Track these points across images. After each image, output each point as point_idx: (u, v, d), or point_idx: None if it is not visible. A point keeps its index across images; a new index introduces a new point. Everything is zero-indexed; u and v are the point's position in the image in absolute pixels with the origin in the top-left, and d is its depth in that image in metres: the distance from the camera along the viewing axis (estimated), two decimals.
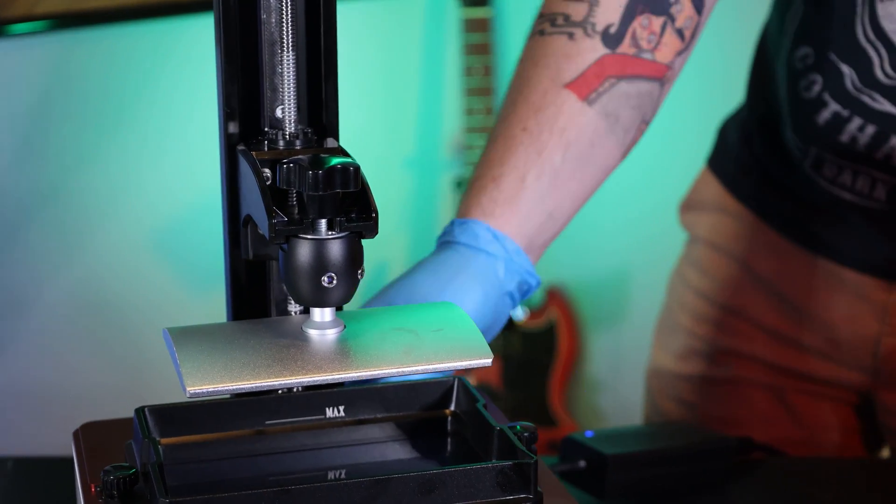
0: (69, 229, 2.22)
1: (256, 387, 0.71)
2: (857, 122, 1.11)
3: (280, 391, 0.78)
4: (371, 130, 2.47)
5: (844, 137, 1.13)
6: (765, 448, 1.13)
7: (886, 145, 1.11)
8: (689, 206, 1.37)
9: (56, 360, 2.23)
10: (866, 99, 1.10)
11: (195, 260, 2.28)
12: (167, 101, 2.28)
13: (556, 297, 2.54)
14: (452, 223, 0.96)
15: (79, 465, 0.77)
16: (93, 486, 0.73)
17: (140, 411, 0.75)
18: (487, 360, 0.74)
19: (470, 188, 0.98)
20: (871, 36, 1.08)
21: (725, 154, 1.34)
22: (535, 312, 2.53)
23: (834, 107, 1.12)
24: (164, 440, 0.75)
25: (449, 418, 0.79)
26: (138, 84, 2.27)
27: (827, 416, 1.27)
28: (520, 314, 2.50)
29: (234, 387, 0.71)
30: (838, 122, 1.12)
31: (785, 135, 1.20)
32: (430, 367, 0.74)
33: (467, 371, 0.80)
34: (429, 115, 2.58)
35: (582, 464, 1.03)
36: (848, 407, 1.27)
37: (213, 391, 0.70)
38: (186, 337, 0.75)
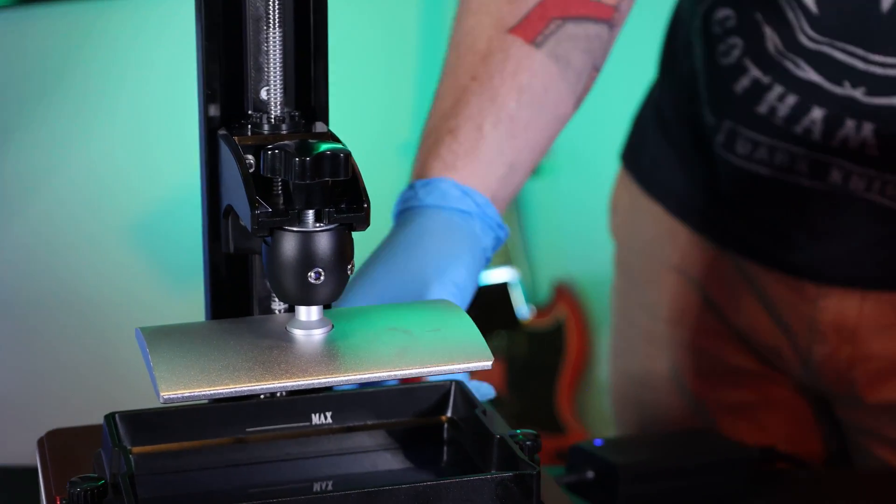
0: (36, 221, 2.22)
1: (236, 391, 0.71)
2: (777, 90, 1.12)
3: (262, 396, 0.78)
4: (363, 114, 2.47)
5: (762, 108, 1.13)
6: (790, 458, 1.13)
7: (806, 118, 1.11)
8: (615, 211, 1.38)
9: (20, 361, 2.22)
10: (789, 65, 1.11)
11: (172, 254, 2.28)
12: (142, 81, 2.28)
13: (564, 294, 2.55)
14: (413, 185, 0.95)
15: (43, 476, 0.77)
16: (58, 498, 0.73)
17: (110, 418, 0.75)
18: (487, 363, 0.73)
19: (424, 144, 0.98)
20: None
21: (636, 147, 1.35)
22: (541, 311, 2.54)
23: (754, 73, 1.13)
24: (136, 449, 0.75)
25: (445, 425, 0.79)
26: (110, 63, 2.26)
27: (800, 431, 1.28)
28: (525, 312, 2.50)
29: (212, 391, 0.70)
30: (758, 90, 1.13)
31: (702, 114, 1.21)
32: (426, 370, 0.74)
33: (467, 374, 0.80)
34: (425, 97, 2.57)
35: (590, 475, 1.03)
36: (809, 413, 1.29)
37: (189, 396, 0.70)
38: (161, 337, 0.75)
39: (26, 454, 0.86)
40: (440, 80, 1.02)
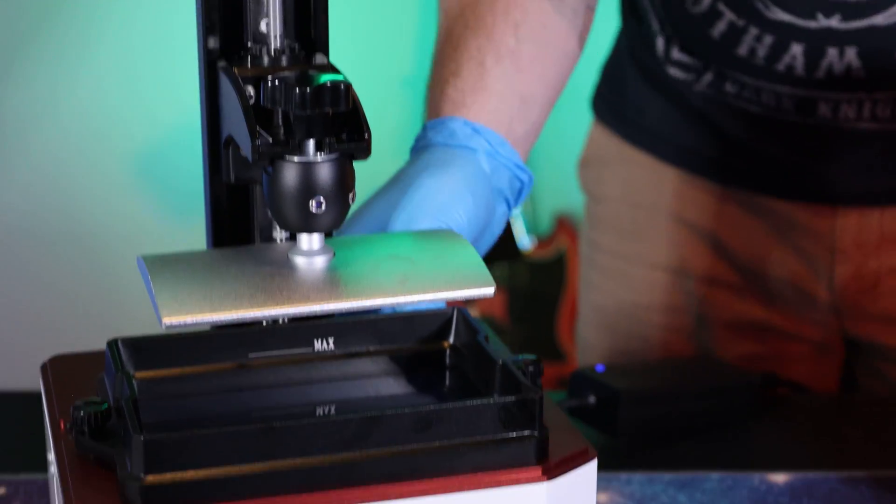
0: (39, 154, 2.22)
1: (239, 318, 0.71)
2: (753, 31, 1.11)
3: (264, 322, 0.77)
4: (365, 46, 2.46)
5: (742, 50, 1.13)
6: (790, 384, 1.13)
7: (787, 55, 1.11)
8: (585, 164, 1.38)
9: (24, 289, 2.23)
10: (760, 6, 1.09)
11: (173, 185, 2.28)
12: (140, 12, 2.26)
13: (565, 225, 2.55)
14: (424, 127, 0.95)
15: (47, 401, 0.77)
16: (62, 421, 0.73)
17: (113, 343, 0.75)
18: (490, 290, 0.73)
19: (432, 88, 0.98)
20: None
21: (615, 98, 1.34)
22: (543, 242, 2.54)
23: (729, 16, 1.12)
24: (139, 374, 0.75)
25: (447, 351, 0.79)
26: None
27: (792, 362, 1.27)
28: (527, 243, 2.50)
29: (215, 317, 0.70)
30: (735, 33, 1.12)
31: (670, 56, 1.20)
32: (428, 296, 0.74)
33: (469, 303, 0.80)
34: (429, 30, 2.56)
35: (592, 399, 1.04)
36: (823, 352, 1.28)
37: (192, 322, 0.70)
38: (162, 265, 0.74)
39: (30, 379, 0.86)
40: (437, 29, 1.01)
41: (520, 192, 0.94)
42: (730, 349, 1.26)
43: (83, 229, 2.24)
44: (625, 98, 1.31)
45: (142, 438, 0.66)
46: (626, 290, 1.31)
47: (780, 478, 0.99)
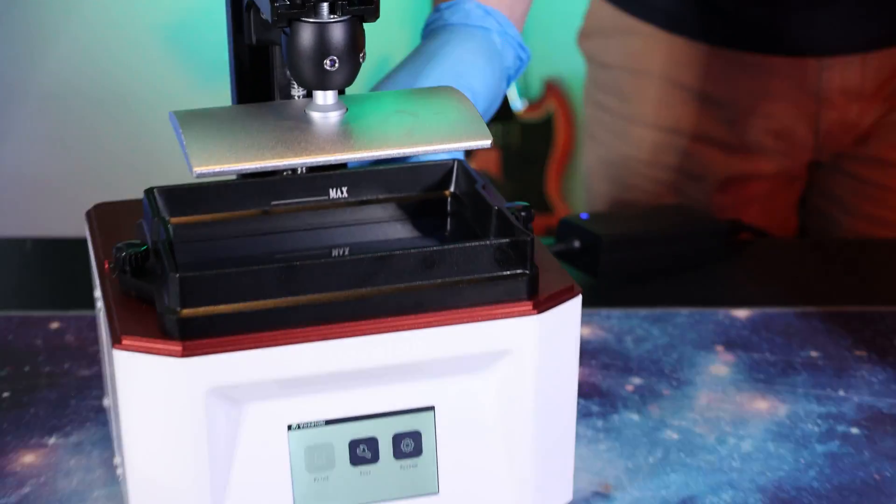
0: (80, 24, 2.19)
1: (261, 167, 0.70)
2: None
3: (285, 172, 0.77)
4: None
5: None
6: (753, 230, 1.13)
7: None
8: (588, 34, 1.35)
9: (67, 146, 2.21)
10: None
11: (200, 49, 2.25)
12: None
13: (553, 89, 2.53)
14: (439, 8, 0.94)
15: (93, 244, 0.77)
16: (106, 262, 0.73)
17: (150, 192, 0.75)
18: (487, 142, 0.72)
19: None
20: None
21: None
22: (533, 104, 2.52)
23: None
24: (174, 219, 0.74)
25: (448, 199, 0.79)
26: None
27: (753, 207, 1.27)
28: (519, 105, 2.48)
29: (240, 167, 0.70)
30: None
31: None
32: (431, 147, 0.73)
33: (467, 158, 0.79)
34: None
35: (576, 244, 1.04)
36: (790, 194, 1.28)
37: (219, 171, 0.70)
38: (192, 119, 0.74)
39: (77, 227, 0.86)
40: None
41: (518, 69, 0.94)
42: (709, 197, 1.27)
43: (120, 92, 2.22)
44: None
45: (177, 276, 0.66)
46: (627, 146, 1.31)
47: (742, 313, 0.99)
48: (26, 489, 0.80)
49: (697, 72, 1.24)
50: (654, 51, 1.27)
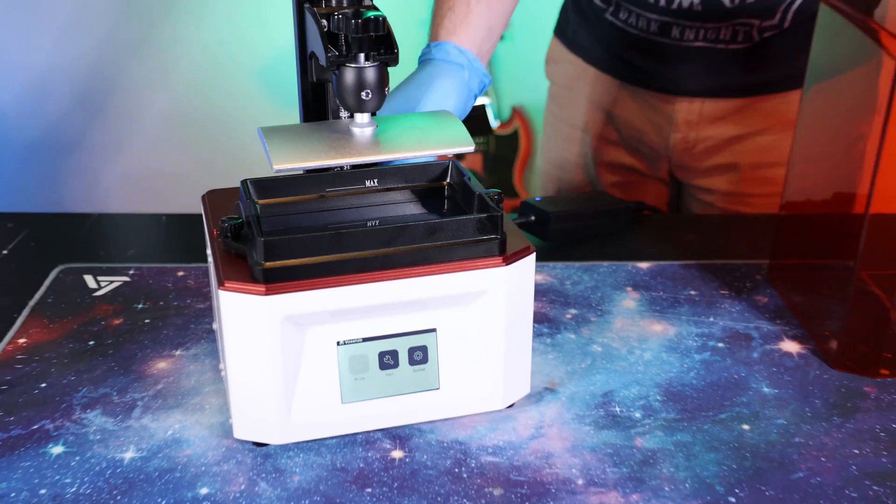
0: (193, 64, 2.16)
1: (319, 165, 0.71)
2: None
3: (335, 169, 0.76)
4: (394, 2, 2.40)
5: None
6: (651, 208, 1.13)
7: None
8: (548, 61, 1.34)
9: (186, 149, 2.18)
10: None
11: (279, 83, 2.23)
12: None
13: (518, 112, 2.52)
14: (429, 46, 0.95)
15: (206, 218, 0.77)
16: (214, 230, 0.73)
17: (244, 182, 0.74)
18: (470, 147, 0.73)
19: (434, 19, 0.97)
20: None
21: (564, 23, 1.30)
22: (504, 124, 2.51)
23: None
24: (260, 201, 0.74)
25: (446, 188, 0.78)
26: None
27: (650, 194, 1.28)
28: (494, 124, 2.47)
29: (305, 165, 0.70)
30: None
31: None
32: (433, 151, 0.73)
33: (459, 158, 0.78)
34: None
35: (532, 218, 1.03)
36: (660, 186, 1.28)
37: (291, 168, 0.70)
38: (273, 131, 0.74)
39: (195, 206, 0.85)
40: None
41: (482, 89, 0.94)
42: (606, 181, 1.28)
43: (222, 111, 2.20)
44: (567, 23, 1.29)
45: (262, 240, 0.66)
46: (562, 144, 1.31)
47: (644, 265, 0.99)
48: (160, 386, 0.80)
49: (605, 95, 1.24)
50: (581, 77, 1.26)
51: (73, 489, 0.68)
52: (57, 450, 0.72)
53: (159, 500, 0.67)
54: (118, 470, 0.70)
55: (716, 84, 1.16)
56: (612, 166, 1.28)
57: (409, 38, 2.54)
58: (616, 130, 1.25)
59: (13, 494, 0.68)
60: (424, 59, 0.94)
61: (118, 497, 0.68)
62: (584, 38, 1.26)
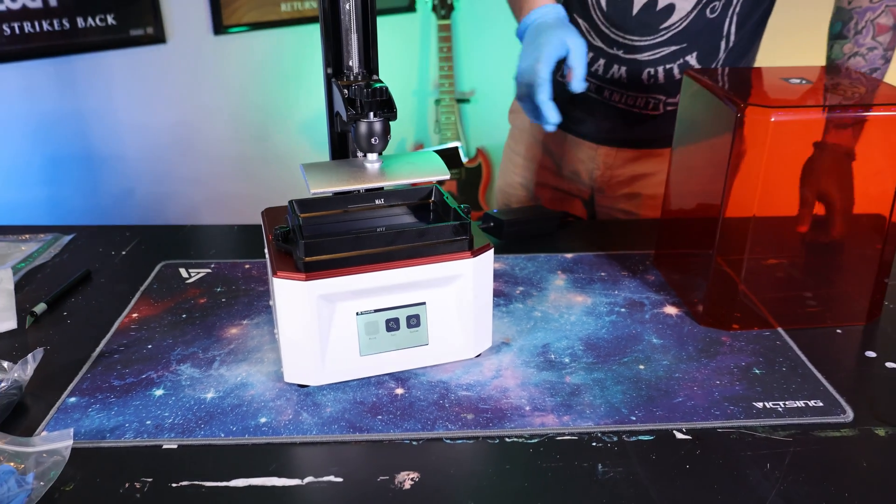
0: (253, 106, 2.14)
1: (343, 189, 0.68)
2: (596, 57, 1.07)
3: (354, 191, 0.74)
4: (395, 77, 2.38)
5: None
6: (574, 216, 1.11)
7: (595, 64, 1.07)
8: (511, 110, 1.30)
9: (250, 179, 2.16)
10: (588, 38, 1.05)
11: (315, 131, 2.22)
12: (308, 64, 2.17)
13: (481, 151, 2.50)
14: (529, 16, 0.94)
15: (264, 227, 0.75)
16: (270, 235, 0.71)
17: (291, 202, 0.72)
18: (447, 176, 0.71)
19: (515, 4, 0.96)
20: (596, 4, 1.04)
21: None
22: (471, 160, 2.49)
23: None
24: (302, 215, 0.72)
25: (431, 203, 0.76)
26: (299, 62, 2.15)
27: (573, 207, 1.25)
28: (465, 159, 2.45)
29: (333, 189, 0.68)
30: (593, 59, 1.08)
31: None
32: (422, 179, 0.71)
33: (440, 182, 0.77)
34: (423, 69, 2.48)
35: (492, 224, 1.01)
36: (581, 204, 1.25)
37: (324, 191, 0.68)
38: (310, 166, 0.72)
39: (256, 219, 0.83)
40: None
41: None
42: (543, 197, 1.25)
43: (275, 155, 2.18)
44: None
45: (303, 242, 0.65)
46: (513, 170, 1.27)
47: (569, 255, 0.97)
48: (232, 345, 0.78)
49: (551, 138, 1.21)
50: (522, 115, 1.23)
51: (170, 420, 0.66)
52: (159, 392, 0.70)
53: (231, 427, 0.65)
54: (202, 406, 0.68)
55: (629, 137, 1.13)
56: (548, 188, 1.25)
57: (405, 100, 2.53)
58: (555, 163, 1.22)
59: (127, 424, 0.65)
60: (534, 22, 0.93)
61: (202, 425, 0.65)
62: None
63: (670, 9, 1.00)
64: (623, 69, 1.05)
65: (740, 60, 1.05)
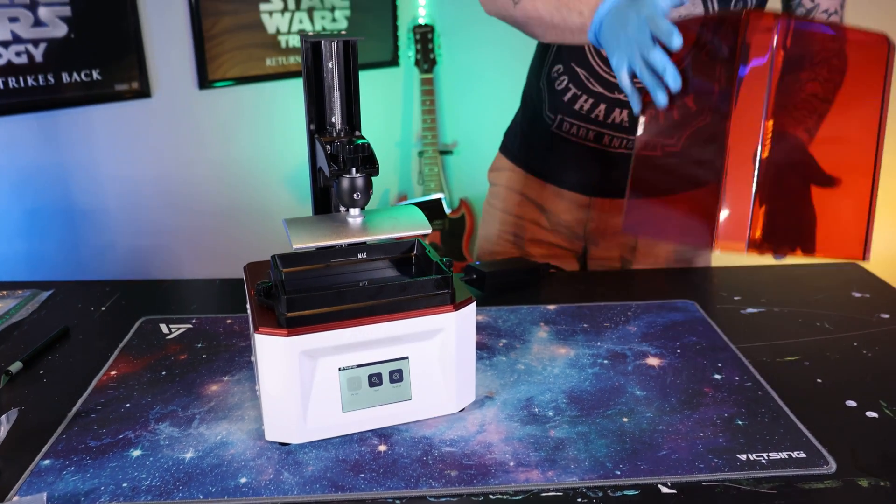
0: (238, 165, 2.15)
1: (325, 244, 0.69)
2: (584, 97, 1.06)
3: (336, 246, 0.75)
4: (378, 129, 2.42)
5: (577, 106, 1.08)
6: (555, 268, 1.12)
7: (597, 109, 1.06)
8: (491, 170, 1.29)
9: (232, 236, 2.17)
10: (589, 84, 1.05)
11: (299, 186, 2.23)
12: (292, 118, 2.20)
13: (464, 202, 2.52)
14: (597, 13, 0.81)
15: (246, 281, 0.75)
16: (252, 290, 0.71)
17: (274, 256, 0.73)
18: (428, 230, 0.71)
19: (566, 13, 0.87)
20: (593, 53, 1.04)
21: (508, 140, 1.26)
22: (454, 210, 2.51)
23: (573, 90, 1.07)
24: (285, 269, 0.72)
25: (414, 257, 0.77)
26: (283, 116, 2.18)
27: (566, 263, 1.23)
28: (448, 210, 2.47)
29: (316, 244, 0.68)
30: (575, 98, 1.07)
31: (543, 115, 1.14)
32: (404, 234, 0.72)
33: (424, 235, 0.77)
34: (406, 122, 2.52)
35: (474, 276, 1.02)
36: (573, 257, 1.24)
37: (306, 246, 0.68)
38: (293, 221, 0.72)
39: (239, 273, 0.83)
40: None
41: None
42: (534, 253, 1.23)
43: (259, 208, 2.18)
44: (514, 141, 1.24)
45: (285, 297, 0.64)
46: (497, 226, 1.26)
47: (552, 307, 0.98)
48: (212, 403, 0.77)
49: (538, 193, 1.20)
50: (519, 180, 1.22)
51: (147, 482, 0.65)
52: (136, 453, 0.69)
53: (210, 488, 0.64)
54: (181, 466, 0.67)
55: (592, 185, 1.14)
56: (540, 243, 1.23)
57: (387, 155, 2.56)
58: (546, 218, 1.21)
59: (102, 487, 0.64)
60: (609, 10, 0.81)
61: (180, 487, 0.64)
62: (526, 154, 1.21)
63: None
64: (624, 113, 1.06)
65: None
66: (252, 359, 0.84)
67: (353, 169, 0.69)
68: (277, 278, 0.68)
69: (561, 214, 1.20)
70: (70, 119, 1.78)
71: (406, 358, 0.71)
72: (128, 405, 0.76)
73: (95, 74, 1.79)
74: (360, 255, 0.75)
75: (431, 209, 2.38)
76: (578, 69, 1.06)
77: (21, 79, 1.69)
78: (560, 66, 1.09)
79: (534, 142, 1.20)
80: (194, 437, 0.71)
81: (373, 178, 0.72)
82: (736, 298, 1.00)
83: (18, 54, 1.68)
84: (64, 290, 1.02)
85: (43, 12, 1.69)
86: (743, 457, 0.68)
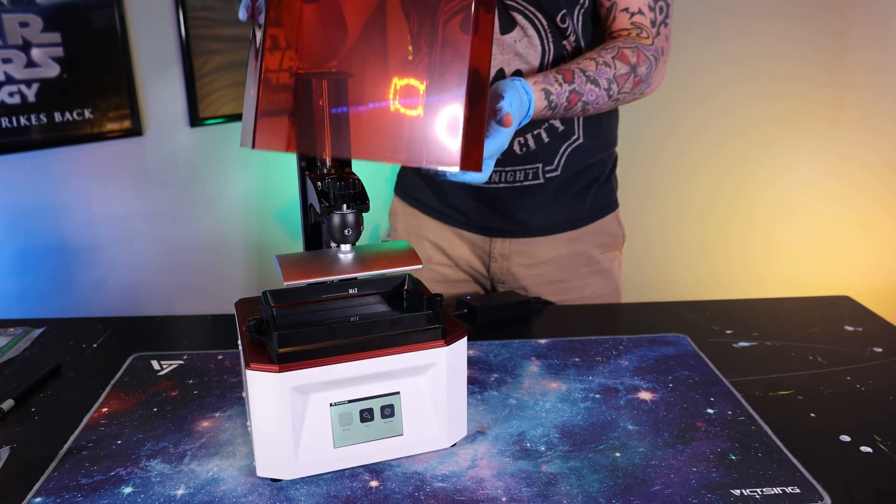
0: (231, 204, 2.17)
1: (317, 280, 0.69)
2: None
3: (328, 282, 0.76)
4: (368, 165, 2.44)
5: None
6: (545, 302, 1.13)
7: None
8: (391, 214, 1.25)
9: (225, 270, 2.17)
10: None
11: (290, 222, 2.24)
12: (280, 155, 2.22)
13: None
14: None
15: (238, 318, 0.75)
16: (243, 326, 0.72)
17: (265, 292, 0.73)
18: (420, 266, 0.72)
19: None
20: None
21: (401, 182, 1.22)
22: None
23: None
24: (276, 305, 0.73)
25: (404, 293, 0.78)
26: (273, 157, 2.20)
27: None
28: None
29: (307, 280, 0.69)
30: None
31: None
32: (395, 270, 0.72)
33: (414, 271, 0.79)
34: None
35: (465, 311, 1.03)
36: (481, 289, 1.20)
37: (297, 283, 0.68)
38: (284, 257, 0.73)
39: (231, 309, 0.84)
40: None
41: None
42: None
43: (250, 245, 2.19)
44: (406, 180, 1.20)
45: (276, 333, 0.65)
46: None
47: (543, 341, 0.99)
48: (204, 439, 0.77)
49: (439, 237, 1.15)
50: (419, 224, 1.17)
51: None
52: (127, 490, 0.69)
53: None
54: (172, 503, 0.67)
55: (555, 223, 1.11)
56: (448, 282, 1.18)
57: (378, 191, 2.58)
58: (450, 260, 1.17)
59: None
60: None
61: None
62: (421, 194, 1.17)
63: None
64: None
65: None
66: (243, 395, 0.84)
67: (344, 205, 0.70)
68: (268, 314, 0.69)
69: (464, 256, 1.14)
70: (62, 157, 1.80)
71: (397, 393, 0.71)
72: (119, 442, 0.76)
73: (87, 113, 1.82)
74: (350, 291, 0.76)
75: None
76: None
77: (14, 118, 1.72)
78: None
79: (425, 184, 1.15)
80: (186, 473, 0.71)
81: (363, 216, 0.73)
82: (728, 332, 1.00)
83: (11, 94, 1.70)
84: (56, 328, 1.02)
85: (36, 53, 1.72)
86: (737, 492, 0.68)
